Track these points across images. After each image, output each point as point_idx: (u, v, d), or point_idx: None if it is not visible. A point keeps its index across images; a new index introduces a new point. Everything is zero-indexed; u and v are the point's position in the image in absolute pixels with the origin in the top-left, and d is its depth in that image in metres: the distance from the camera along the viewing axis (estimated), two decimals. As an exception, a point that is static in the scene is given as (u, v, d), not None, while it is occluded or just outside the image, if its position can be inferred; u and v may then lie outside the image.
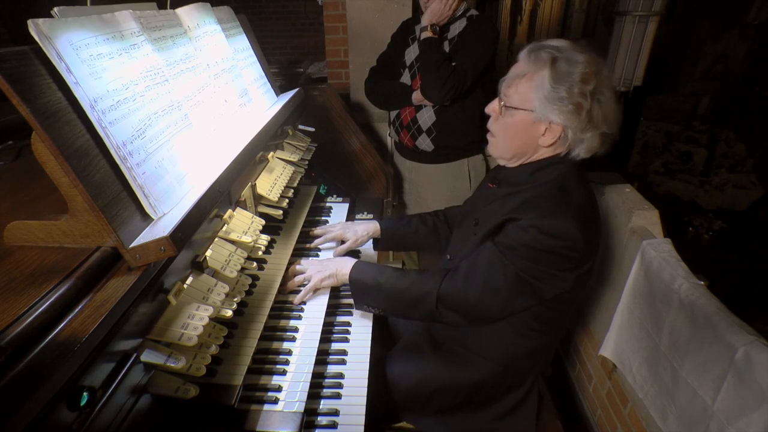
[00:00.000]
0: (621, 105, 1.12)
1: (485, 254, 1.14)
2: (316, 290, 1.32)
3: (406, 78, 2.11)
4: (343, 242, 1.56)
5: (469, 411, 1.29)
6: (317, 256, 1.56)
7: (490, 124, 1.23)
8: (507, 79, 1.18)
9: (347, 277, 1.28)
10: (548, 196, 1.11)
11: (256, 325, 1.12)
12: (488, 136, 1.24)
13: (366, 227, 1.57)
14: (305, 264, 1.37)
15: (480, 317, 1.21)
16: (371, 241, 1.67)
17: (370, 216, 1.88)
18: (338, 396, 1.12)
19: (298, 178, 1.59)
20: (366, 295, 1.28)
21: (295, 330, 1.22)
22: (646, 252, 1.39)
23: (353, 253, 1.66)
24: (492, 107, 1.21)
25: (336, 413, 1.07)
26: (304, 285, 1.33)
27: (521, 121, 1.14)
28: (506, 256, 1.10)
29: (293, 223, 1.57)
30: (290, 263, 1.39)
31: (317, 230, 1.59)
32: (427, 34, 1.91)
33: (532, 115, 1.11)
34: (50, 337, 0.62)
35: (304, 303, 1.30)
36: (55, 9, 0.81)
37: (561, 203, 1.08)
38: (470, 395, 1.27)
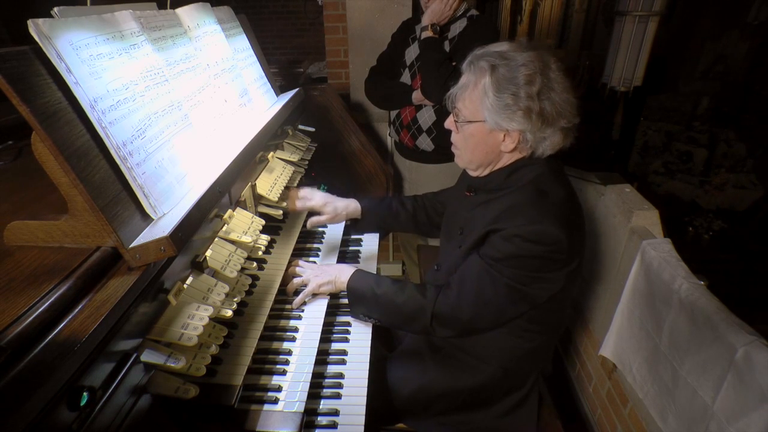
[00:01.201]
0: (615, 108, 1.11)
1: (474, 269, 1.14)
2: (314, 295, 1.32)
3: (406, 78, 2.11)
4: (320, 214, 1.53)
5: (469, 412, 1.29)
6: (317, 256, 1.56)
7: (453, 137, 1.22)
8: (453, 93, 1.17)
9: (345, 284, 1.29)
10: (527, 201, 1.09)
11: (256, 325, 1.12)
12: (453, 149, 1.24)
13: (346, 204, 1.56)
14: (304, 267, 1.37)
15: (474, 331, 1.21)
16: (376, 239, 1.68)
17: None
18: (338, 396, 1.12)
19: (298, 178, 1.59)
20: (362, 305, 1.28)
21: (295, 330, 1.22)
22: (646, 252, 1.38)
23: (353, 253, 1.66)
24: (449, 122, 1.21)
25: (336, 413, 1.07)
26: (303, 287, 1.33)
27: (478, 133, 1.13)
28: (494, 268, 1.10)
29: (293, 223, 1.57)
30: (290, 263, 1.39)
31: (295, 194, 1.53)
32: (428, 33, 1.91)
33: (485, 125, 1.11)
34: (50, 337, 0.62)
35: (304, 304, 1.31)
36: (55, 9, 0.81)
37: (541, 207, 1.07)
38: (471, 398, 1.27)
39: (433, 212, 1.60)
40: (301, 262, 1.39)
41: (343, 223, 1.71)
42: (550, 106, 1.05)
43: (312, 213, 1.56)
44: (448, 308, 1.17)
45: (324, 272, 1.32)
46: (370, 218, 1.61)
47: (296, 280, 1.33)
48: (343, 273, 1.30)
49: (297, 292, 1.32)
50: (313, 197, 1.53)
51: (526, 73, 1.04)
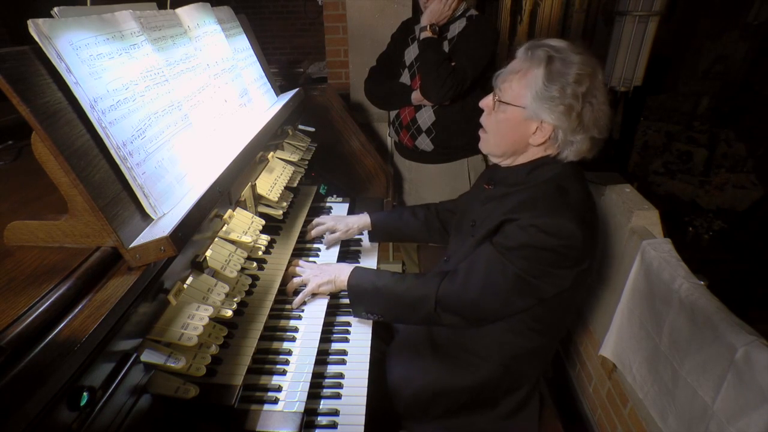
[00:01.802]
0: (615, 108, 1.12)
1: (484, 255, 1.14)
2: (313, 295, 1.32)
3: (405, 78, 2.11)
4: (334, 233, 1.60)
5: (470, 414, 1.29)
6: (317, 256, 1.56)
7: (483, 119, 1.23)
8: (503, 73, 1.18)
9: (345, 283, 1.28)
10: (546, 195, 1.10)
11: (256, 325, 1.12)
12: (480, 132, 1.24)
13: (357, 220, 1.62)
14: (304, 267, 1.37)
15: (479, 318, 1.20)
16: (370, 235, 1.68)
17: (370, 216, 1.89)
18: (338, 396, 1.12)
19: (298, 178, 1.59)
20: (364, 301, 1.28)
21: (295, 330, 1.22)
22: (646, 252, 1.38)
23: (354, 253, 1.66)
24: (486, 102, 1.21)
25: (336, 413, 1.07)
26: (303, 287, 1.33)
27: (513, 118, 1.14)
28: (505, 256, 1.10)
29: (293, 223, 1.57)
30: (290, 263, 1.39)
31: (310, 225, 1.63)
32: (427, 34, 1.91)
33: (523, 112, 1.11)
34: (50, 337, 0.62)
35: (304, 304, 1.31)
36: (55, 9, 0.81)
37: (559, 202, 1.08)
38: (471, 398, 1.27)
39: (448, 218, 1.61)
40: (301, 262, 1.39)
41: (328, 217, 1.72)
42: (590, 111, 1.07)
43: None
44: (453, 293, 1.17)
45: (323, 272, 1.32)
46: (380, 230, 1.64)
47: (296, 280, 1.33)
48: (343, 272, 1.30)
49: (297, 292, 1.32)
50: (324, 220, 1.63)
51: (577, 72, 1.06)
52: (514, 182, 1.20)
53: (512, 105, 1.13)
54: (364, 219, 1.62)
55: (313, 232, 1.61)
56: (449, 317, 1.20)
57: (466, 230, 1.29)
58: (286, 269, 1.35)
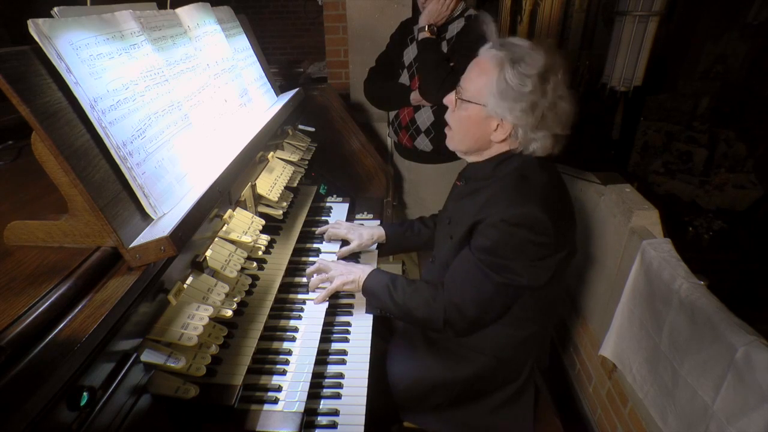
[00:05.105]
0: (615, 108, 1.13)
1: (470, 269, 1.17)
2: (317, 289, 1.33)
3: (404, 78, 2.11)
4: (345, 243, 1.58)
5: (465, 405, 1.31)
6: (317, 255, 1.56)
7: (447, 116, 1.24)
8: (466, 72, 1.19)
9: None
10: (509, 187, 1.12)
11: (256, 325, 1.12)
12: (446, 129, 1.26)
13: (371, 233, 1.59)
14: (330, 264, 1.37)
15: (485, 325, 1.24)
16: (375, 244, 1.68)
17: (370, 216, 1.88)
18: (338, 396, 1.12)
19: (298, 178, 1.59)
20: (377, 304, 1.31)
21: (295, 330, 1.22)
22: (646, 252, 1.38)
23: (354, 253, 1.66)
24: (449, 98, 1.22)
25: (336, 413, 1.07)
26: (322, 283, 1.34)
27: (474, 115, 1.15)
28: (484, 262, 1.13)
29: (293, 223, 1.57)
30: (290, 263, 1.39)
31: (323, 228, 1.62)
32: (425, 34, 1.91)
33: (484, 109, 1.13)
34: (50, 337, 0.62)
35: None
36: (55, 9, 0.81)
37: (522, 191, 1.10)
38: (466, 389, 1.29)
39: None
40: (327, 259, 1.41)
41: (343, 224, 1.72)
42: (552, 108, 1.08)
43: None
44: (457, 313, 1.20)
45: (350, 272, 1.32)
46: (394, 241, 1.63)
47: (321, 276, 1.34)
48: (366, 274, 1.32)
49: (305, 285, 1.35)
50: (340, 227, 1.61)
51: (539, 72, 1.06)
52: (481, 177, 1.22)
53: (473, 103, 1.14)
54: (378, 232, 1.60)
55: (326, 236, 1.60)
56: (457, 333, 1.25)
57: (444, 228, 1.32)
58: (287, 269, 1.35)
